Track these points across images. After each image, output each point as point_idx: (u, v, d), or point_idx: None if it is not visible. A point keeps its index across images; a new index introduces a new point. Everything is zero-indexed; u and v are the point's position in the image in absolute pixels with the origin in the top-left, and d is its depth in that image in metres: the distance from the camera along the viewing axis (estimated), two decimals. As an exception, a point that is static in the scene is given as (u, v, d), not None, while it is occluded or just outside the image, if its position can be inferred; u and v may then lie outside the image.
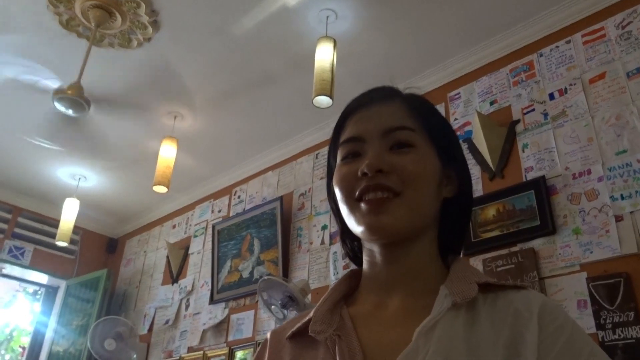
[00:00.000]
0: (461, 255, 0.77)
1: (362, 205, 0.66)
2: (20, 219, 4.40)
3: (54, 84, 2.95)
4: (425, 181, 0.67)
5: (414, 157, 0.67)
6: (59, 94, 2.57)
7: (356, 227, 0.68)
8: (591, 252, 2.00)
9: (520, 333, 0.58)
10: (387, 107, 0.71)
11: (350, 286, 0.75)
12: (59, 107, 2.60)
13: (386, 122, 0.69)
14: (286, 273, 3.13)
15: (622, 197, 1.99)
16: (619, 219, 1.98)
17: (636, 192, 1.97)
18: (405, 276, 0.68)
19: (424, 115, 0.72)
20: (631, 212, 1.95)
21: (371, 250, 0.71)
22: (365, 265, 0.73)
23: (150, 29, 2.63)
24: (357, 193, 0.66)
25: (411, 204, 0.65)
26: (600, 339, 1.84)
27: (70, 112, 2.63)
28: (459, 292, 0.62)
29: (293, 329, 0.70)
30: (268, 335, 0.75)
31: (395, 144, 0.68)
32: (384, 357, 0.59)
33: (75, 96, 2.57)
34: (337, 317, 0.68)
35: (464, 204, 0.74)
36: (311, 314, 0.69)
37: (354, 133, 0.70)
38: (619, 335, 1.81)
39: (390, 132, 0.68)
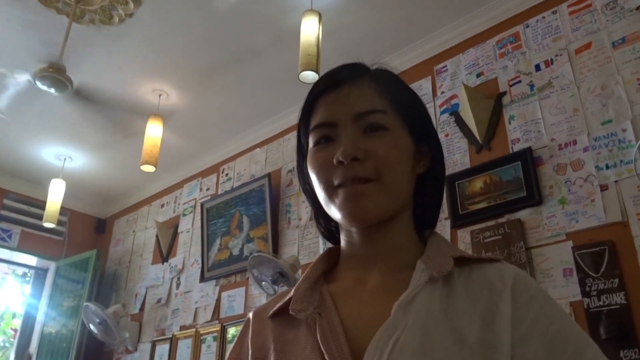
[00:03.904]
0: (444, 228, 0.78)
1: (341, 192, 0.66)
2: (6, 201, 4.35)
3: (35, 62, 2.89)
4: (401, 164, 0.68)
5: (387, 141, 0.67)
6: (41, 73, 2.52)
7: (336, 214, 0.68)
8: (577, 222, 2.02)
9: (494, 304, 0.60)
10: (356, 89, 0.70)
11: (329, 264, 0.76)
12: (41, 85, 2.56)
13: (357, 106, 0.69)
14: (276, 249, 3.14)
15: (607, 167, 2.02)
16: (603, 188, 2.00)
17: (621, 161, 1.99)
18: (384, 253, 0.70)
19: (394, 93, 0.71)
20: (616, 181, 1.98)
21: (349, 231, 0.72)
22: (343, 244, 0.74)
23: (131, 5, 2.57)
24: (335, 182, 0.67)
25: (389, 188, 0.66)
26: (585, 306, 1.88)
27: (52, 90, 2.59)
28: (435, 266, 0.64)
29: (274, 309, 0.71)
30: (250, 315, 0.76)
31: (368, 127, 0.68)
32: (364, 333, 0.60)
33: (57, 75, 2.53)
34: (317, 295, 0.68)
35: (437, 177, 0.75)
36: (291, 292, 0.70)
37: (325, 118, 0.70)
38: (604, 302, 1.85)
39: (362, 117, 0.68)
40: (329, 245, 0.80)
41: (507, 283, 0.62)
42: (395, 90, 0.73)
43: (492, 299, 0.61)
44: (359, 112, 0.68)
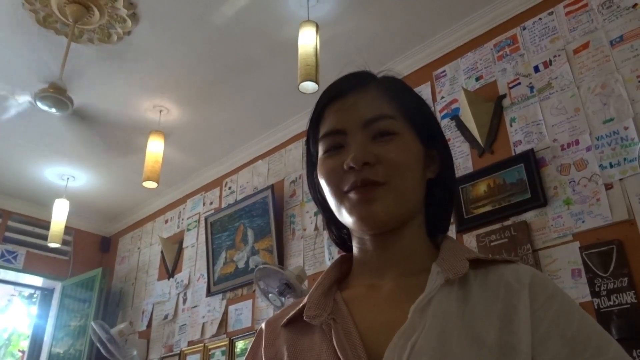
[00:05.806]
0: (449, 233, 0.78)
1: (351, 195, 0.66)
2: (11, 223, 4.35)
3: (35, 82, 2.90)
4: (411, 168, 0.68)
5: (397, 146, 0.67)
6: (42, 93, 2.53)
7: (347, 219, 0.68)
8: (583, 222, 2.01)
9: (512, 305, 0.60)
10: (364, 96, 0.71)
11: (342, 271, 0.76)
12: (42, 106, 2.57)
13: (366, 113, 0.69)
14: (281, 261, 3.13)
15: (611, 165, 2.01)
16: (608, 187, 1.99)
17: (624, 159, 1.98)
18: (397, 259, 0.69)
19: (401, 99, 0.72)
20: (620, 180, 1.97)
21: (361, 238, 0.72)
22: (355, 251, 0.74)
23: (129, 22, 2.59)
24: (345, 187, 0.67)
25: (399, 192, 0.66)
26: (595, 307, 1.86)
27: (53, 110, 2.60)
28: (450, 268, 0.63)
29: (288, 317, 0.70)
30: (263, 325, 0.75)
31: (377, 134, 0.68)
32: (380, 337, 0.59)
33: (58, 94, 2.54)
34: (331, 301, 0.68)
35: (447, 182, 0.75)
36: (305, 300, 0.69)
37: (334, 126, 0.70)
38: (614, 302, 1.83)
39: (371, 123, 0.68)
40: (336, 255, 0.79)
41: (524, 283, 0.62)
42: (402, 96, 0.73)
43: (510, 300, 0.60)
44: (368, 118, 0.68)
